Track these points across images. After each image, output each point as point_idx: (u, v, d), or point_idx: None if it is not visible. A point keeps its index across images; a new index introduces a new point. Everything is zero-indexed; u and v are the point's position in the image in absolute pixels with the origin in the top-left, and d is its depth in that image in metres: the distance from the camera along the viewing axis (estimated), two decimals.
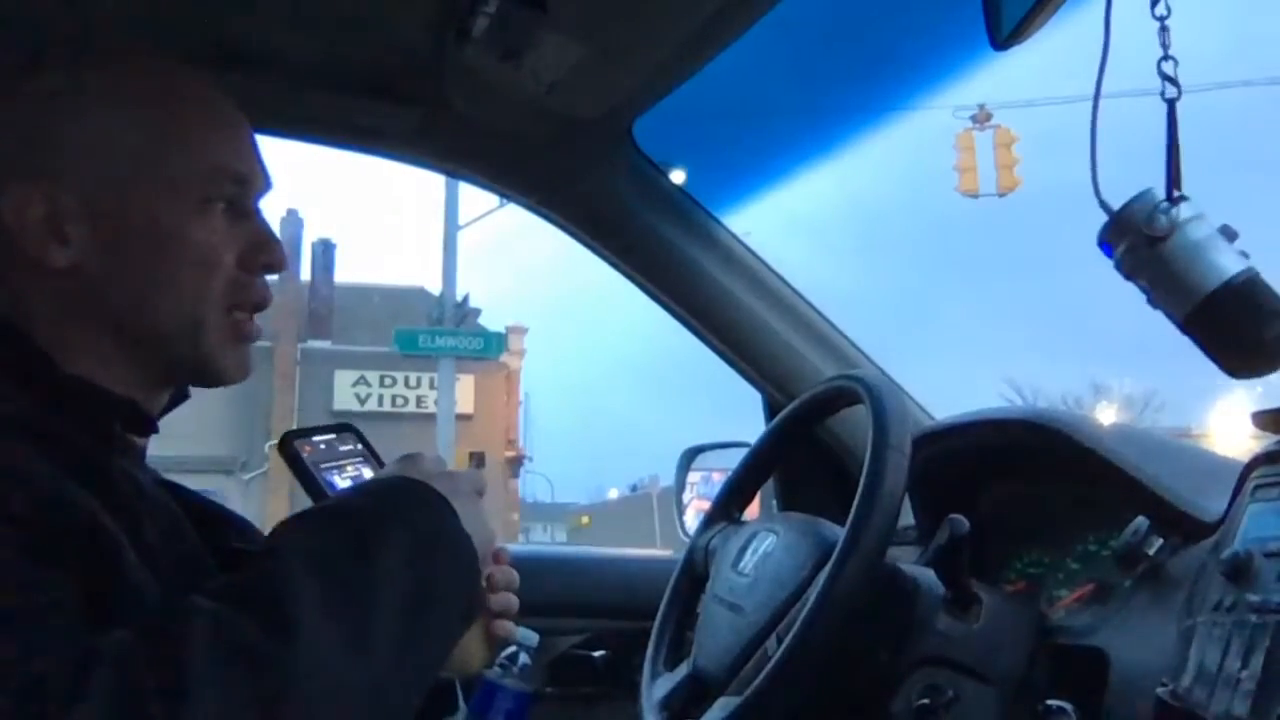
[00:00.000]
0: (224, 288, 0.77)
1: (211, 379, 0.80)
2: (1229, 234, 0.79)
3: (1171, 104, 0.79)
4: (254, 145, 0.82)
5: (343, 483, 0.82)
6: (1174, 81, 0.79)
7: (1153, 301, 0.81)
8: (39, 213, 0.72)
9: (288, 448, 0.81)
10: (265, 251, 0.80)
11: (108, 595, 0.60)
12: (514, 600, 0.81)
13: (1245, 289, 0.77)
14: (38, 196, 0.72)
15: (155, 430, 0.80)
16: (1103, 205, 0.81)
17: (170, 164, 0.75)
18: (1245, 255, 0.78)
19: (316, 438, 0.84)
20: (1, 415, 0.64)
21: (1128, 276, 0.81)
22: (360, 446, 0.87)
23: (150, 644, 0.54)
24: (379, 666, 0.60)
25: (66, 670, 0.52)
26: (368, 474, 0.83)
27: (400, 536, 0.65)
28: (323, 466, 0.81)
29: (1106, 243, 0.82)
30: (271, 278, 0.82)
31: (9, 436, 0.62)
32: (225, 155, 0.78)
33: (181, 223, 0.75)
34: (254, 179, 0.80)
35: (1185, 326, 0.79)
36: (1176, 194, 0.79)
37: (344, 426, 0.87)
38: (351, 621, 0.60)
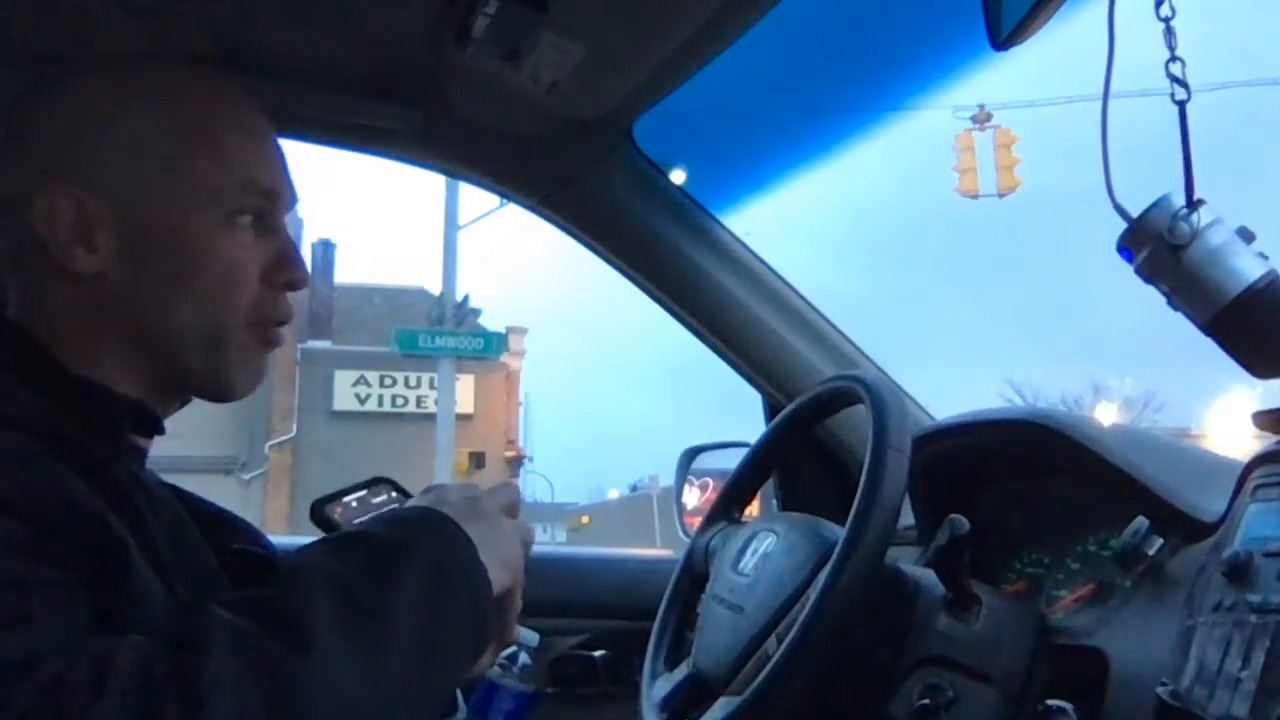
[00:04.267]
0: (248, 303, 0.77)
1: (221, 394, 0.79)
2: (1247, 236, 0.79)
3: (1182, 106, 0.78)
4: (283, 159, 0.81)
5: None
6: (1183, 83, 0.78)
7: (1174, 304, 0.80)
8: (69, 218, 0.72)
9: (319, 515, 0.80)
10: (289, 269, 0.79)
11: (114, 596, 0.60)
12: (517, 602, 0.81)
13: (1268, 293, 0.77)
14: (68, 202, 0.72)
15: (162, 431, 0.79)
16: (1119, 211, 0.81)
17: (202, 174, 0.74)
18: (1265, 257, 0.78)
19: (346, 498, 0.82)
20: (9, 415, 0.64)
21: (1148, 281, 0.81)
22: (395, 494, 0.85)
23: (170, 651, 0.55)
24: (389, 690, 0.61)
25: (83, 672, 0.52)
26: None
27: (416, 566, 0.66)
28: (357, 524, 0.79)
29: (1126, 249, 0.82)
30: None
31: (17, 437, 0.62)
32: (257, 168, 0.77)
33: (209, 234, 0.75)
34: (283, 194, 0.80)
35: (1208, 330, 0.79)
36: (1195, 199, 0.78)
37: (374, 481, 0.85)
38: (366, 645, 0.60)
